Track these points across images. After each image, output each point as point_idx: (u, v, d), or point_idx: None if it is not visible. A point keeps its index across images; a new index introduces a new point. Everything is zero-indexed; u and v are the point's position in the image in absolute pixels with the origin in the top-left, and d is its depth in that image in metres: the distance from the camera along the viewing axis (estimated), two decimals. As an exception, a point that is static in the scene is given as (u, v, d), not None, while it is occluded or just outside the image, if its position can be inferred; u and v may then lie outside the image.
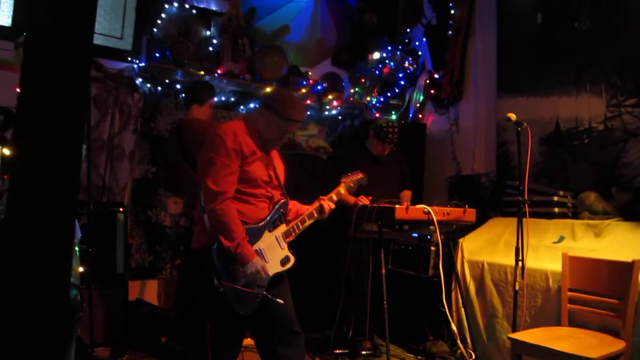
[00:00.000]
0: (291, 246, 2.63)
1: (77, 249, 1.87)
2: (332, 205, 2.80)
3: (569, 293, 3.04)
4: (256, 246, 2.49)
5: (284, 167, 2.78)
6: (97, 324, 3.64)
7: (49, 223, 0.90)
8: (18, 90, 0.89)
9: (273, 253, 2.54)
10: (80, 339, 3.02)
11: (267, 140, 2.57)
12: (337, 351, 3.83)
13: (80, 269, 1.90)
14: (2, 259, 0.88)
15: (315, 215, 2.74)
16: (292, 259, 2.60)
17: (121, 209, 4.04)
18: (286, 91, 2.75)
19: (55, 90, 0.90)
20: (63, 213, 0.92)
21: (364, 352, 3.77)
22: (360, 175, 3.16)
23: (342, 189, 2.99)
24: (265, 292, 2.48)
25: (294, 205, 2.75)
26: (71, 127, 0.92)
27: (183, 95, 4.22)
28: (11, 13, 3.99)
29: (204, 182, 2.42)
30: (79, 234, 1.91)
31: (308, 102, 5.07)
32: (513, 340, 2.80)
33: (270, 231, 2.56)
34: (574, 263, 3.06)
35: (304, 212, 2.71)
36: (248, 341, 4.02)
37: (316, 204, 2.76)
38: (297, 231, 2.65)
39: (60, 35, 0.94)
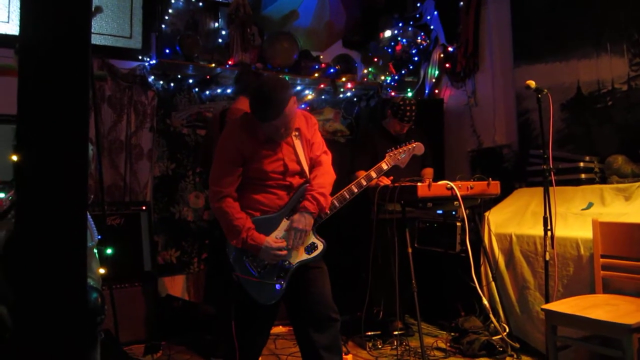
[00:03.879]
0: (317, 232, 2.58)
1: (95, 251, 1.87)
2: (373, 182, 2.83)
3: (601, 260, 2.96)
4: (273, 235, 2.47)
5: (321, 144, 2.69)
6: (130, 322, 3.70)
7: (58, 228, 0.88)
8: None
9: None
10: (115, 338, 3.06)
11: (268, 135, 2.50)
12: (369, 333, 3.83)
13: (102, 271, 1.91)
14: (15, 268, 0.87)
15: (347, 196, 2.70)
16: (321, 246, 2.54)
17: (144, 207, 4.08)
18: (258, 88, 2.43)
19: (54, 93, 0.88)
20: (72, 216, 0.90)
21: (396, 332, 3.76)
22: (411, 145, 3.11)
23: (384, 165, 2.97)
24: (282, 283, 2.46)
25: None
26: (74, 128, 0.90)
27: (233, 85, 4.21)
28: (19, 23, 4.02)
29: (209, 181, 2.54)
30: (96, 236, 1.92)
31: (322, 86, 5.02)
32: (547, 312, 2.74)
33: (288, 219, 2.52)
34: (605, 229, 2.99)
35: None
36: (279, 329, 4.07)
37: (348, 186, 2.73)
38: (323, 216, 2.59)
39: (57, 37, 0.92)
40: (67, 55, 0.96)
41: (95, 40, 4.24)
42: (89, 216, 1.98)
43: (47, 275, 0.93)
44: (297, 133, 2.57)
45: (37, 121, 0.91)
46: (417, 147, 3.16)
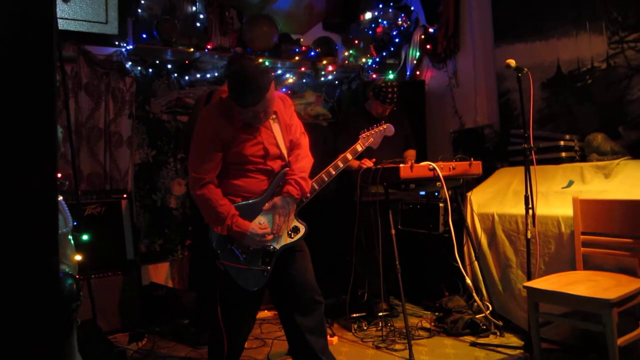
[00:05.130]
0: (300, 215, 2.59)
1: (70, 237, 1.84)
2: (348, 163, 2.85)
3: (582, 237, 3.00)
4: (256, 220, 2.46)
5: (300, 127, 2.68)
6: (114, 311, 3.68)
7: (27, 213, 0.86)
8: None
9: None
10: (99, 327, 3.04)
11: (246, 121, 2.46)
12: (354, 315, 3.85)
13: (78, 257, 1.88)
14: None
15: (325, 178, 2.70)
16: (303, 229, 2.56)
17: (125, 195, 4.03)
18: (237, 73, 2.37)
19: (16, 72, 0.85)
20: (41, 201, 0.88)
21: (380, 314, 3.79)
22: (382, 127, 3.16)
23: (358, 147, 2.98)
24: (268, 267, 2.46)
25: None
26: (38, 109, 0.87)
27: (214, 70, 4.13)
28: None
29: (188, 168, 2.49)
30: (71, 222, 1.88)
31: (303, 69, 4.98)
32: (529, 289, 2.77)
33: (270, 203, 2.50)
34: (585, 206, 3.02)
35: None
36: (264, 314, 4.08)
37: (326, 169, 2.74)
38: (304, 200, 2.59)
39: (17, 14, 0.88)
40: (29, 34, 0.92)
41: (70, 26, 4.14)
42: (63, 202, 1.94)
43: (18, 262, 0.91)
44: (274, 116, 2.55)
45: None
46: (387, 129, 3.22)
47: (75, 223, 1.97)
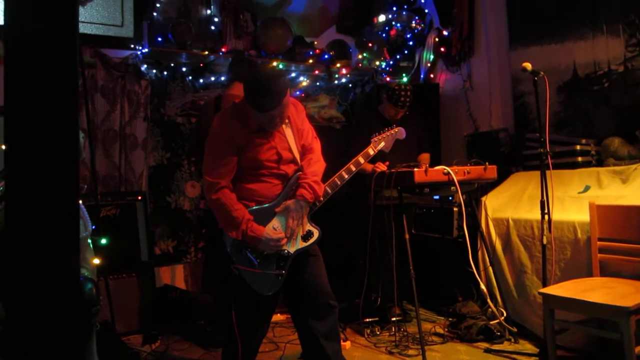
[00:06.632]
0: (313, 219, 2.58)
1: (90, 241, 1.85)
2: (361, 167, 2.86)
3: (599, 243, 2.96)
4: (270, 225, 2.46)
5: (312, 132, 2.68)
6: (128, 312, 3.70)
7: (50, 218, 0.87)
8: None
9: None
10: (112, 328, 3.06)
11: (260, 125, 2.45)
12: (367, 319, 3.84)
13: (96, 261, 1.89)
14: (6, 260, 0.85)
15: (338, 182, 2.70)
16: (317, 233, 2.56)
17: (139, 197, 4.05)
18: (253, 78, 2.36)
19: (42, 81, 0.86)
20: (64, 206, 0.88)
21: (394, 319, 3.77)
22: (393, 131, 3.15)
23: (370, 150, 2.98)
24: (283, 272, 2.46)
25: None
26: (63, 116, 0.88)
27: (227, 72, 4.14)
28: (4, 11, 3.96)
29: (203, 172, 2.50)
30: (90, 227, 1.90)
31: (316, 72, 4.98)
32: (544, 295, 2.74)
33: (284, 207, 2.50)
34: (602, 212, 2.98)
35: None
36: (277, 317, 4.08)
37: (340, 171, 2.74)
38: (317, 204, 2.60)
39: (44, 24, 0.89)
40: (54, 42, 0.93)
41: (87, 29, 4.18)
42: (82, 206, 1.96)
43: (40, 267, 0.92)
44: (287, 121, 2.55)
45: (25, 110, 0.88)
46: (399, 132, 3.22)
47: (94, 227, 1.98)
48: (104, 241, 2.55)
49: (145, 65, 4.38)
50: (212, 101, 3.60)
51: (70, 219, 0.89)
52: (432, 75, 5.43)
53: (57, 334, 0.88)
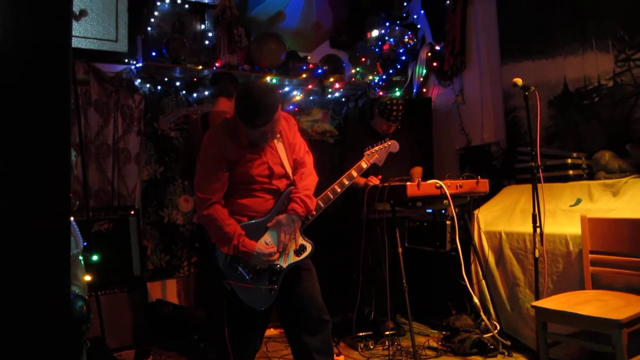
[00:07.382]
0: (306, 233, 2.58)
1: (81, 258, 1.85)
2: (354, 180, 2.84)
3: (590, 255, 2.98)
4: (262, 240, 2.46)
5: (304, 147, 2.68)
6: (121, 328, 3.67)
7: (40, 235, 0.87)
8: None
9: None
10: (104, 344, 3.03)
11: (252, 140, 2.46)
12: (361, 333, 3.82)
13: (87, 278, 1.88)
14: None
15: (331, 196, 2.70)
16: (310, 247, 2.55)
17: (132, 212, 4.04)
18: (245, 94, 2.37)
19: (34, 96, 0.87)
20: (54, 224, 0.89)
21: (387, 332, 3.75)
22: (386, 144, 3.14)
23: (363, 164, 2.97)
24: (275, 287, 2.45)
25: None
26: (54, 132, 0.89)
27: (211, 87, 4.14)
28: None
29: (194, 188, 2.50)
30: (81, 243, 1.89)
31: (310, 86, 5.01)
32: (537, 308, 2.75)
33: (276, 222, 2.49)
34: (593, 225, 3.00)
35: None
36: (270, 332, 4.05)
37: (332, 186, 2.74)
38: (310, 218, 2.60)
39: (36, 41, 0.90)
40: (46, 58, 0.94)
41: (81, 43, 4.20)
42: (74, 223, 1.95)
43: (30, 285, 0.91)
44: (279, 136, 2.56)
45: (15, 126, 0.89)
46: (392, 145, 3.20)
47: (85, 244, 1.98)
48: (95, 257, 2.53)
49: (139, 80, 4.40)
50: (199, 119, 3.59)
51: (61, 236, 0.90)
52: (424, 90, 5.48)
53: (46, 352, 0.88)
